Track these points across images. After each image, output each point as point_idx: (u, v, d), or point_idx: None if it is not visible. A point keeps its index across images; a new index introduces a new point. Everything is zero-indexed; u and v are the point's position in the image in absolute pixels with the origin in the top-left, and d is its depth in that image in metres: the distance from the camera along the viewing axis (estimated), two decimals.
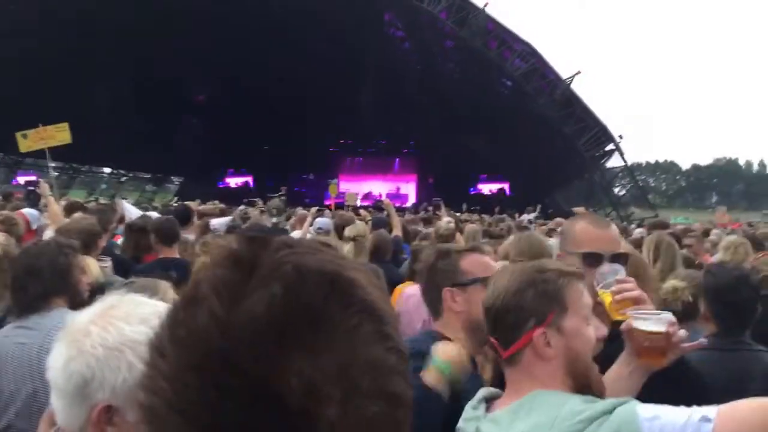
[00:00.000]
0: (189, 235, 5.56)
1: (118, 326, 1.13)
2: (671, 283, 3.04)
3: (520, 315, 1.41)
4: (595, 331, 1.46)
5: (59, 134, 10.63)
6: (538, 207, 18.36)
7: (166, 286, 1.87)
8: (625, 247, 2.46)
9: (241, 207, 14.63)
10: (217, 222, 5.12)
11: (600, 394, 1.41)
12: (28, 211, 4.99)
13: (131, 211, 5.00)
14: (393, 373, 0.56)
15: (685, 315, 2.89)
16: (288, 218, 9.51)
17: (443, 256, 2.17)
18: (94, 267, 3.23)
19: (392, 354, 0.56)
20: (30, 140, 10.88)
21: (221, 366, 0.50)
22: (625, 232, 10.07)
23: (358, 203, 23.74)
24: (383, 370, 0.55)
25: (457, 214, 15.07)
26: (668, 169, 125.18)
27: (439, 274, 2.14)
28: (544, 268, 1.46)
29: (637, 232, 8.83)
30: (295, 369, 0.50)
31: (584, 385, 1.41)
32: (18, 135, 10.92)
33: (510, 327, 1.42)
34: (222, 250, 0.57)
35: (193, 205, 8.60)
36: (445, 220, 7.41)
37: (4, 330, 2.52)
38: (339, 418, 0.51)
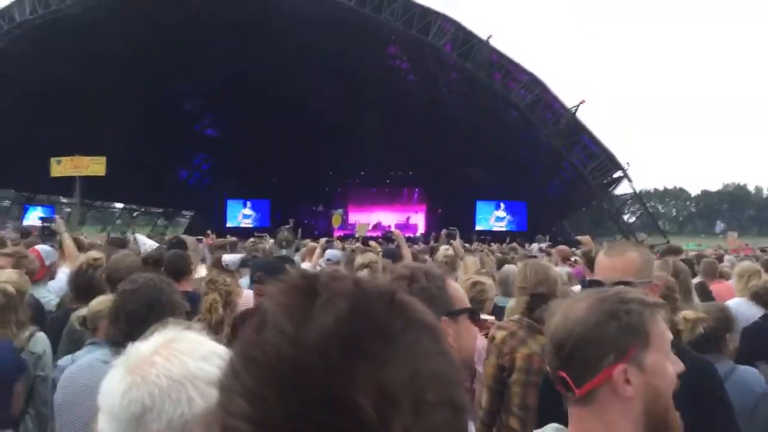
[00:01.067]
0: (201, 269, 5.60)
1: (183, 360, 1.14)
2: (687, 313, 2.98)
3: (600, 349, 1.28)
4: (673, 366, 1.34)
5: (94, 166, 10.84)
6: (547, 236, 18.32)
7: (195, 327, 1.88)
8: (655, 274, 2.41)
9: (251, 240, 14.70)
10: (229, 258, 5.12)
11: None
12: (41, 248, 5.02)
13: (146, 244, 5.04)
14: (453, 384, 0.58)
15: (699, 347, 2.87)
16: (297, 250, 9.53)
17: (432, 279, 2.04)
18: None
19: (450, 367, 0.59)
20: (63, 166, 11.08)
21: (296, 378, 0.52)
22: None
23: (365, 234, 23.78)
24: (445, 381, 0.57)
25: (466, 244, 15.06)
26: (677, 195, 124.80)
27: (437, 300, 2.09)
28: (626, 298, 1.34)
29: None
30: (366, 378, 0.53)
31: (662, 429, 1.30)
32: (52, 160, 11.13)
33: (586, 362, 1.29)
34: (278, 284, 0.60)
35: (206, 238, 8.64)
36: (443, 248, 7.39)
37: (90, 359, 2.46)
38: (411, 425, 0.53)
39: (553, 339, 1.36)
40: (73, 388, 2.36)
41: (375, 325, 0.55)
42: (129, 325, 2.34)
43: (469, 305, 1.97)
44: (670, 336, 1.36)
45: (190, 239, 6.16)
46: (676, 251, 7.49)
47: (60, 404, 2.39)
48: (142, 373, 1.13)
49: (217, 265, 4.08)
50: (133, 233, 8.83)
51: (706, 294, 5.20)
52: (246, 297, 4.44)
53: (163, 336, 1.21)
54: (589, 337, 1.29)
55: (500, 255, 8.82)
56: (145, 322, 2.28)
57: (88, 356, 2.56)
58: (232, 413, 0.54)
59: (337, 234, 23.30)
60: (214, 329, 3.38)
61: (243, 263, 4.97)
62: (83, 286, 3.89)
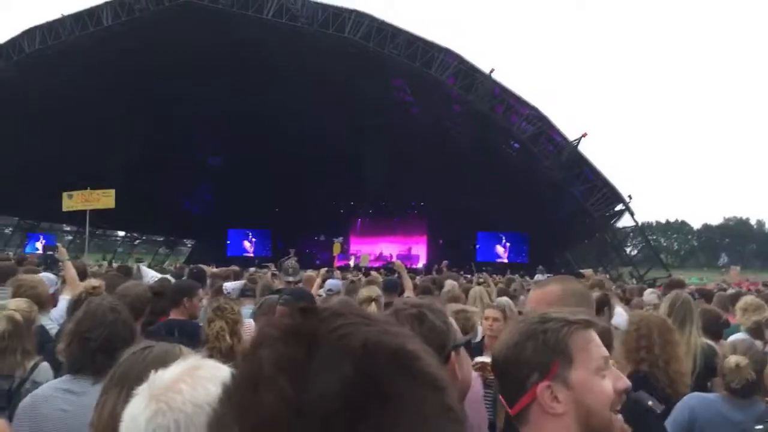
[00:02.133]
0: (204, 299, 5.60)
1: (206, 386, 1.15)
2: (734, 359, 2.89)
3: (522, 369, 1.32)
4: (614, 382, 1.34)
5: (104, 199, 10.94)
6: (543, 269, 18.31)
7: (185, 352, 1.89)
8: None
9: (252, 269, 14.69)
10: (230, 285, 5.14)
11: None
12: (44, 275, 5.04)
13: (148, 275, 5.06)
14: None
15: (744, 392, 2.84)
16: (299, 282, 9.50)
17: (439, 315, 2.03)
18: None
19: (457, 425, 0.57)
20: (74, 201, 11.17)
21: None
22: (625, 293, 9.93)
23: (368, 264, 23.79)
24: None
25: (469, 275, 15.04)
26: (679, 228, 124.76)
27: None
28: (546, 318, 1.37)
29: (648, 292, 8.60)
30: None
31: None
32: (64, 194, 11.21)
33: (514, 382, 1.34)
34: (276, 324, 0.58)
35: (206, 268, 8.65)
36: (448, 283, 7.38)
37: (48, 388, 2.42)
38: None
39: (491, 363, 1.43)
40: (33, 422, 2.30)
41: (379, 390, 0.53)
42: (84, 350, 2.37)
43: (463, 336, 2.01)
44: (601, 352, 1.36)
45: (206, 268, 6.19)
46: (679, 284, 7.45)
47: None
48: (167, 400, 1.14)
49: (219, 292, 4.10)
50: (136, 263, 8.87)
51: (713, 317, 5.11)
52: (248, 326, 4.44)
53: (186, 363, 1.23)
54: (511, 358, 1.34)
55: (502, 286, 8.79)
56: (110, 343, 2.35)
57: (47, 385, 2.51)
58: None
59: (338, 264, 23.27)
60: (225, 357, 3.36)
61: (243, 293, 4.99)
62: None
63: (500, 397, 1.41)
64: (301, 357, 0.53)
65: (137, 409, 1.16)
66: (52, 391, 2.40)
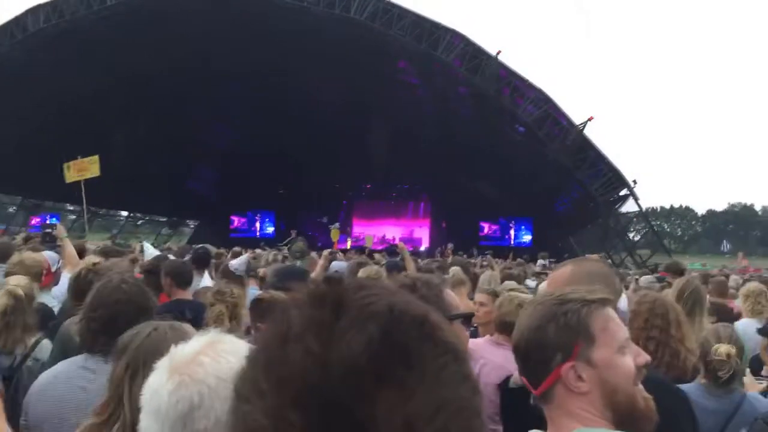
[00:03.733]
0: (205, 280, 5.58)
1: (228, 359, 1.18)
2: (725, 349, 2.88)
3: (545, 351, 1.35)
4: (635, 358, 1.38)
5: (91, 167, 11.10)
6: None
7: (191, 330, 1.87)
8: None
9: (257, 250, 14.70)
10: (236, 263, 5.12)
11: (649, 424, 1.35)
12: (47, 254, 5.03)
13: (151, 253, 5.05)
14: (476, 415, 0.58)
15: (727, 381, 2.84)
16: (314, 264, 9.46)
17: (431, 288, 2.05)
18: None
19: (474, 394, 0.59)
20: (72, 171, 11.38)
21: (322, 403, 0.51)
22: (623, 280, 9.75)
23: (371, 245, 23.80)
24: (469, 412, 0.57)
25: (471, 259, 15.04)
26: (683, 214, 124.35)
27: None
28: (564, 299, 1.39)
29: (644, 279, 8.16)
30: (393, 408, 0.52)
31: (628, 418, 1.34)
32: (65, 166, 11.40)
33: (537, 364, 1.37)
34: (304, 290, 0.59)
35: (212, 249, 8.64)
36: (453, 269, 7.36)
37: (69, 367, 2.38)
38: None
39: (513, 346, 1.48)
40: (50, 402, 2.26)
41: (405, 351, 0.54)
42: (101, 326, 2.34)
43: (462, 311, 2.07)
44: (619, 329, 1.39)
45: (212, 249, 6.18)
46: (676, 269, 7.28)
47: (41, 420, 2.25)
48: (189, 372, 1.16)
49: (226, 273, 4.09)
50: (140, 242, 8.87)
51: (725, 313, 5.10)
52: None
53: (205, 337, 1.25)
54: (533, 341, 1.38)
55: (506, 271, 8.72)
56: (114, 323, 2.29)
57: (64, 363, 2.47)
58: (251, 428, 0.54)
59: (338, 247, 23.30)
60: None
61: (248, 271, 4.98)
62: (83, 291, 3.87)
63: (523, 379, 1.44)
64: (328, 318, 0.55)
65: (159, 382, 1.17)
66: (69, 369, 2.37)
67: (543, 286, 4.83)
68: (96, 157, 11.25)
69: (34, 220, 31.66)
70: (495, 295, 4.24)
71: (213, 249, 6.37)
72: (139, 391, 1.25)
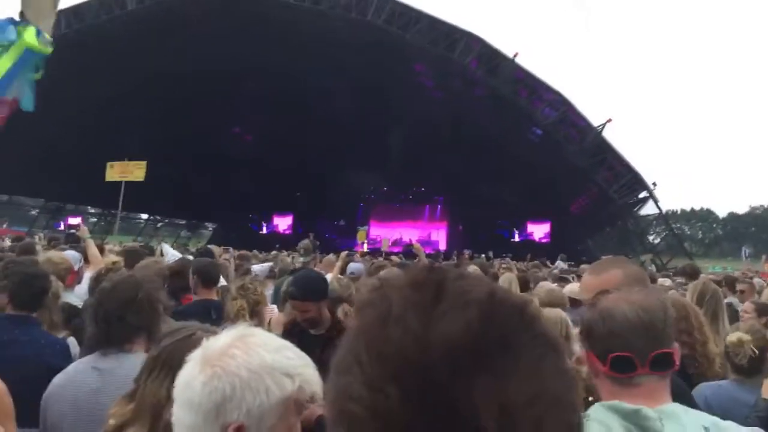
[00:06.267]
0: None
1: (259, 352, 1.21)
2: (737, 335, 2.96)
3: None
4: None
5: (137, 171, 11.21)
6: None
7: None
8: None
9: (273, 252, 14.78)
10: (258, 268, 5.18)
11: None
12: (70, 254, 5.11)
13: (170, 254, 5.12)
14: (572, 409, 0.58)
15: (750, 370, 2.88)
16: (316, 262, 9.48)
17: None
18: None
19: (571, 389, 0.58)
20: (114, 171, 11.46)
21: (420, 379, 0.53)
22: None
23: (388, 248, 23.81)
24: (565, 405, 0.57)
25: (489, 260, 14.95)
26: (704, 217, 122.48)
27: None
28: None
29: (662, 281, 8.04)
30: (490, 391, 0.52)
31: None
32: (108, 164, 11.49)
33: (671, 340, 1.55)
34: (404, 275, 0.61)
35: (216, 249, 8.68)
36: (471, 268, 7.34)
37: (80, 366, 2.38)
38: None
39: (645, 326, 1.53)
40: (65, 406, 2.26)
41: (504, 337, 0.55)
42: (107, 324, 2.33)
43: None
44: None
45: (217, 249, 6.25)
46: (692, 273, 7.15)
47: (59, 419, 2.25)
48: (222, 364, 1.18)
49: (245, 274, 4.13)
50: (160, 244, 8.97)
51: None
52: (271, 311, 4.45)
53: (236, 331, 1.27)
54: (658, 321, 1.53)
55: (523, 273, 8.67)
56: (122, 320, 2.32)
57: (74, 365, 2.44)
58: (351, 397, 0.56)
59: (359, 249, 23.32)
60: None
61: (270, 274, 5.02)
62: None
63: (665, 351, 1.55)
64: (430, 301, 0.56)
65: (191, 374, 1.20)
66: (80, 369, 2.37)
67: (572, 287, 4.81)
68: (144, 163, 11.37)
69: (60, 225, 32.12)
70: None
71: (218, 249, 6.45)
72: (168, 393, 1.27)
